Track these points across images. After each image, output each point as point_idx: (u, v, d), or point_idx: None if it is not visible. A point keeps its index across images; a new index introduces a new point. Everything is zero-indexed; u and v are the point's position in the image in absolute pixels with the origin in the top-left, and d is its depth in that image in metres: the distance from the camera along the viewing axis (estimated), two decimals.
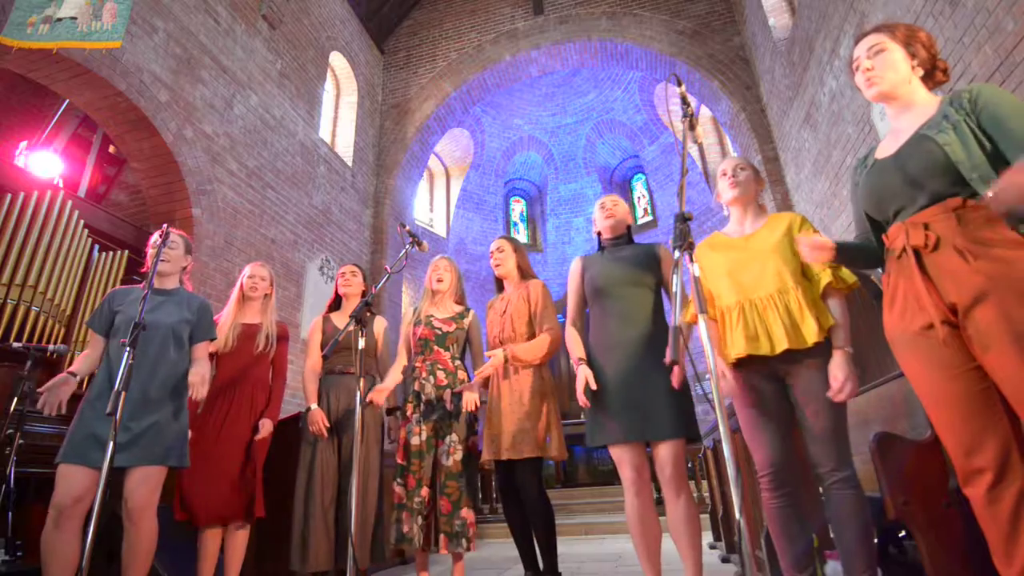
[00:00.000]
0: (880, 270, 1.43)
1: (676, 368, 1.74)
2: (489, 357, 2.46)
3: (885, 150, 1.37)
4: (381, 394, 2.50)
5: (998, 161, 1.17)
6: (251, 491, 2.47)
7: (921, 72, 1.37)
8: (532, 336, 2.46)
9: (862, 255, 1.47)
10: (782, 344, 1.55)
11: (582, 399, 2.02)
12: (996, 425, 1.13)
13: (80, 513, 1.84)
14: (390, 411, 2.68)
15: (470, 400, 2.47)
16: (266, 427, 2.55)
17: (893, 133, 1.39)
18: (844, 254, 1.45)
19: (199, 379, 2.05)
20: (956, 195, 1.20)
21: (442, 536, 2.39)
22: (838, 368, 1.51)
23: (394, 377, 2.62)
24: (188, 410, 2.18)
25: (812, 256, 1.44)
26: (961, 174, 1.18)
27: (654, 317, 2.04)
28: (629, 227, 2.28)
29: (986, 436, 1.13)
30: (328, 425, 2.55)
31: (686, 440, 1.92)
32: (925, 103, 1.35)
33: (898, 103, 1.38)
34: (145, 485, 1.94)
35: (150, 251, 2.24)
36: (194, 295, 2.31)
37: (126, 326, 2.03)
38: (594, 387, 1.99)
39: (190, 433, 2.42)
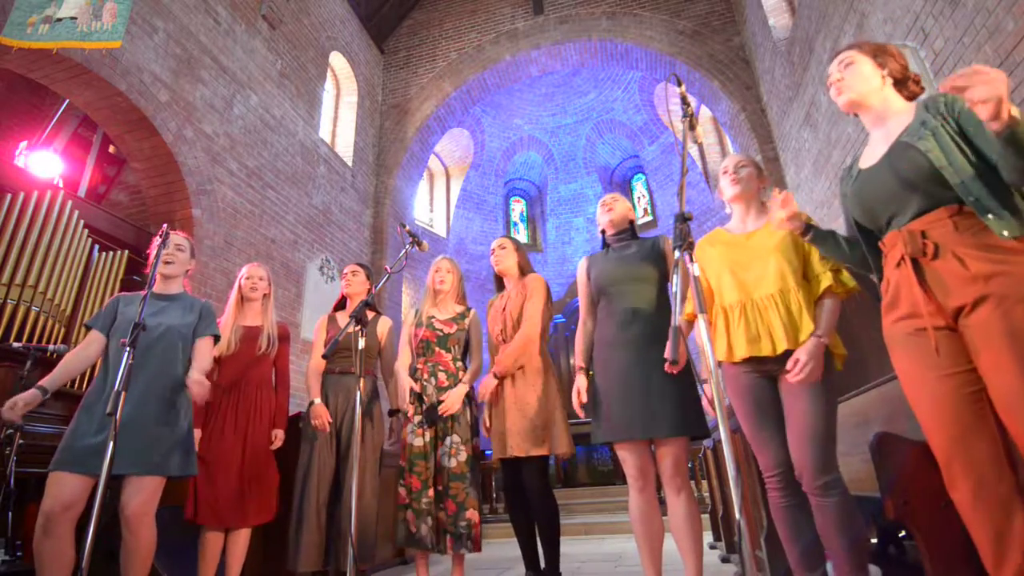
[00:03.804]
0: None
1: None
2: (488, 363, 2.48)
3: (869, 159, 1.38)
4: (455, 403, 2.47)
5: (980, 164, 1.17)
6: (256, 494, 2.47)
7: (892, 81, 1.40)
8: None
9: (832, 244, 1.50)
10: (782, 344, 1.55)
11: (578, 409, 2.07)
12: (984, 429, 1.12)
13: (70, 519, 1.80)
14: (392, 412, 2.67)
15: (452, 401, 2.43)
16: (279, 438, 2.61)
17: (875, 142, 1.40)
18: (815, 232, 1.51)
19: (196, 383, 1.96)
20: (947, 199, 1.21)
21: (448, 537, 2.38)
22: (804, 351, 1.51)
23: (402, 379, 2.60)
24: (192, 415, 2.16)
25: (779, 219, 1.50)
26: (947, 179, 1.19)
27: (658, 313, 2.03)
28: (632, 223, 2.28)
29: (973, 439, 1.12)
30: (331, 421, 2.57)
31: (691, 437, 1.92)
32: (901, 111, 1.37)
33: (872, 112, 1.40)
34: (142, 494, 1.91)
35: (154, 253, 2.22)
36: (197, 299, 2.30)
37: (126, 327, 2.00)
38: (584, 400, 2.05)
39: (197, 432, 2.42)
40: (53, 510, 1.78)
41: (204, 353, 2.16)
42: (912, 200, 1.25)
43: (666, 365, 1.67)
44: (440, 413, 2.45)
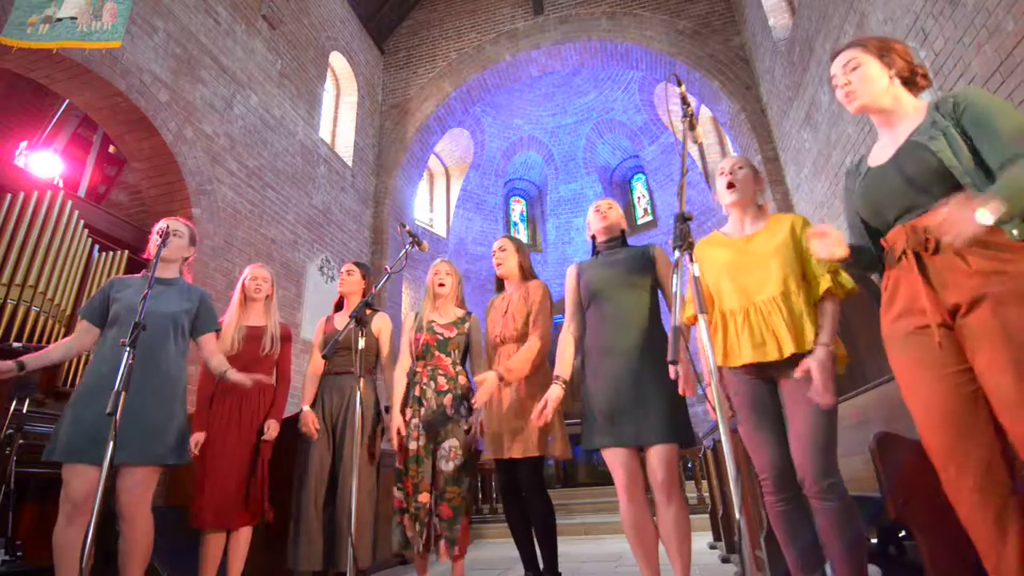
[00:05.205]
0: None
1: (680, 368, 1.69)
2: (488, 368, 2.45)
3: (879, 157, 1.37)
4: (481, 396, 2.39)
5: (984, 165, 1.17)
6: (258, 494, 2.47)
7: (899, 80, 1.38)
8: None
9: (864, 258, 1.45)
10: (789, 348, 1.53)
11: (537, 415, 2.06)
12: (981, 430, 1.12)
13: (90, 510, 1.83)
14: (387, 409, 2.68)
15: (483, 393, 2.35)
16: (273, 428, 2.57)
17: (885, 141, 1.39)
18: (853, 254, 1.40)
19: (236, 376, 2.09)
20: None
21: (443, 542, 2.36)
22: (817, 366, 1.46)
23: (399, 382, 2.60)
24: (187, 405, 2.17)
25: (826, 251, 1.34)
26: (956, 178, 1.19)
27: (649, 320, 2.03)
28: (623, 231, 2.27)
29: (970, 441, 1.12)
30: (319, 427, 2.57)
31: (680, 445, 1.91)
32: (912, 110, 1.36)
33: (883, 113, 1.39)
34: (139, 484, 1.92)
35: (153, 239, 2.19)
36: (193, 286, 2.29)
37: (126, 314, 2.01)
38: (549, 416, 2.06)
39: (202, 435, 2.42)
40: (77, 500, 1.80)
41: (213, 348, 2.23)
42: (920, 199, 1.25)
43: (670, 369, 1.67)
44: (472, 406, 2.42)
